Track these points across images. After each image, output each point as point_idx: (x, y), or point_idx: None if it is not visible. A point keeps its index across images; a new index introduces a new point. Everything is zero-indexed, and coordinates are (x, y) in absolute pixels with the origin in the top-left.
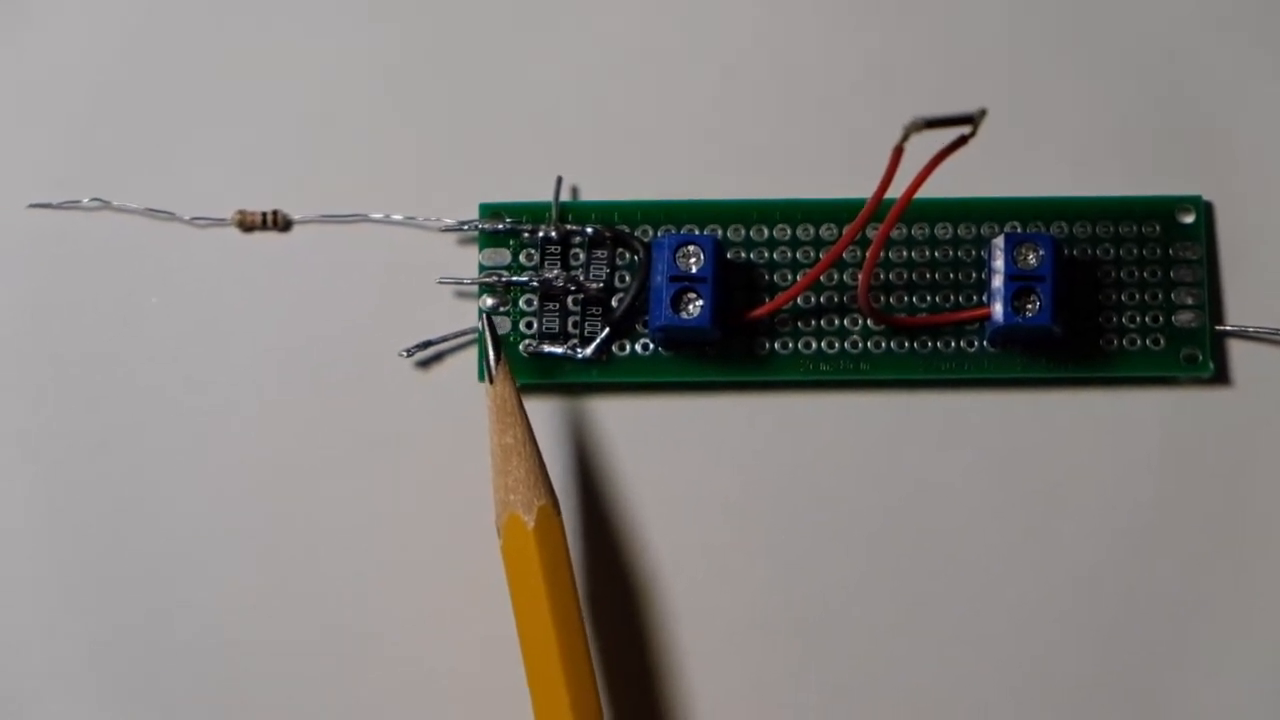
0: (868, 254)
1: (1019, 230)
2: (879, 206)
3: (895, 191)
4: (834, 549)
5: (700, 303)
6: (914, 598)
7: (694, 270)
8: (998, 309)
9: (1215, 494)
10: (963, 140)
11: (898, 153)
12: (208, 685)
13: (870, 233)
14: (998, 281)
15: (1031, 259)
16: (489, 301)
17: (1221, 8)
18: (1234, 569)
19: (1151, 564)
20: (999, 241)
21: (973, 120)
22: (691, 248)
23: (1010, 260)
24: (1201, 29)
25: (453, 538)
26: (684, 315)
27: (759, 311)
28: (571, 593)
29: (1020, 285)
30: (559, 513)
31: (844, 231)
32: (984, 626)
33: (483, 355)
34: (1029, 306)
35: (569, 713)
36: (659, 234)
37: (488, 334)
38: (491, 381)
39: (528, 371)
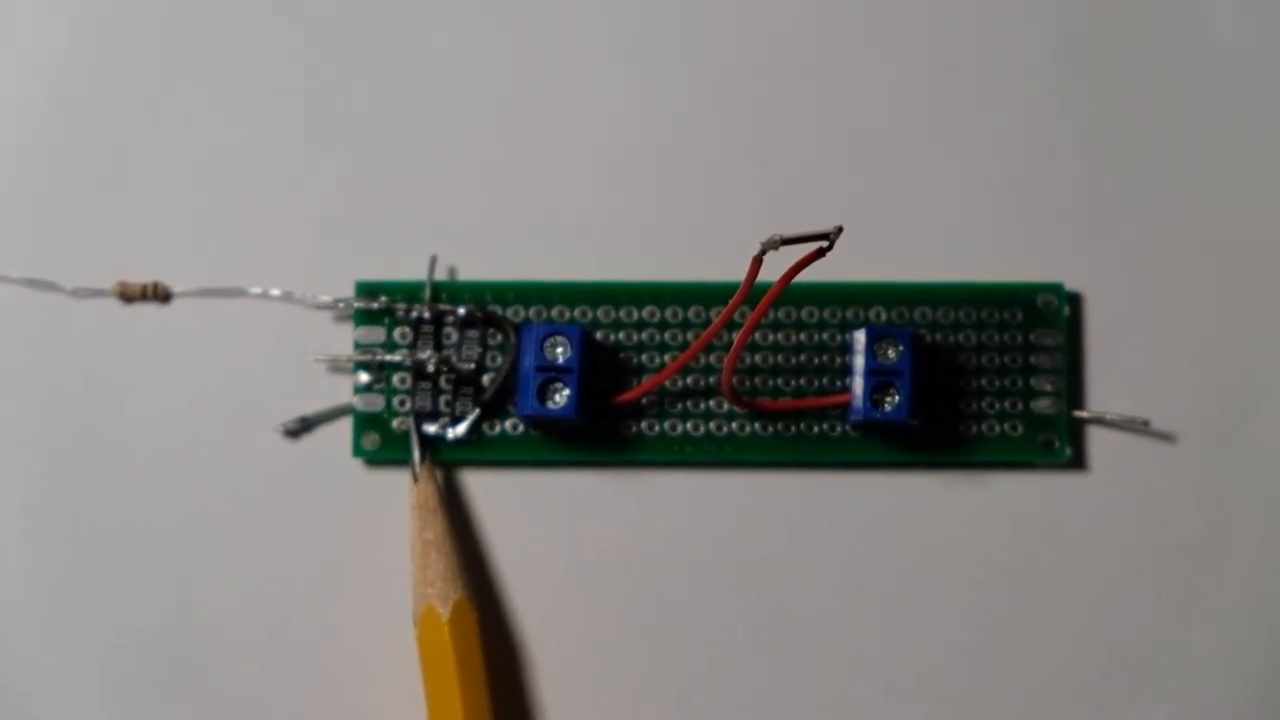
0: (729, 354)
1: (883, 316)
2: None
3: (763, 276)
4: (697, 626)
5: (566, 392)
6: (774, 676)
7: (560, 360)
8: (857, 401)
9: (1070, 577)
10: (820, 252)
11: (755, 264)
12: None
13: (738, 316)
14: (858, 375)
15: (891, 353)
16: (363, 378)
17: (1088, 97)
18: (1090, 651)
19: (1008, 646)
20: (859, 335)
21: (829, 237)
22: (559, 337)
23: (870, 354)
24: (1068, 115)
25: (324, 610)
26: (550, 405)
27: (625, 397)
28: (484, 684)
29: (879, 380)
30: (474, 607)
31: (712, 316)
32: (841, 707)
33: (409, 455)
34: (888, 400)
35: None
36: (531, 313)
37: (414, 436)
38: (416, 480)
39: (401, 448)
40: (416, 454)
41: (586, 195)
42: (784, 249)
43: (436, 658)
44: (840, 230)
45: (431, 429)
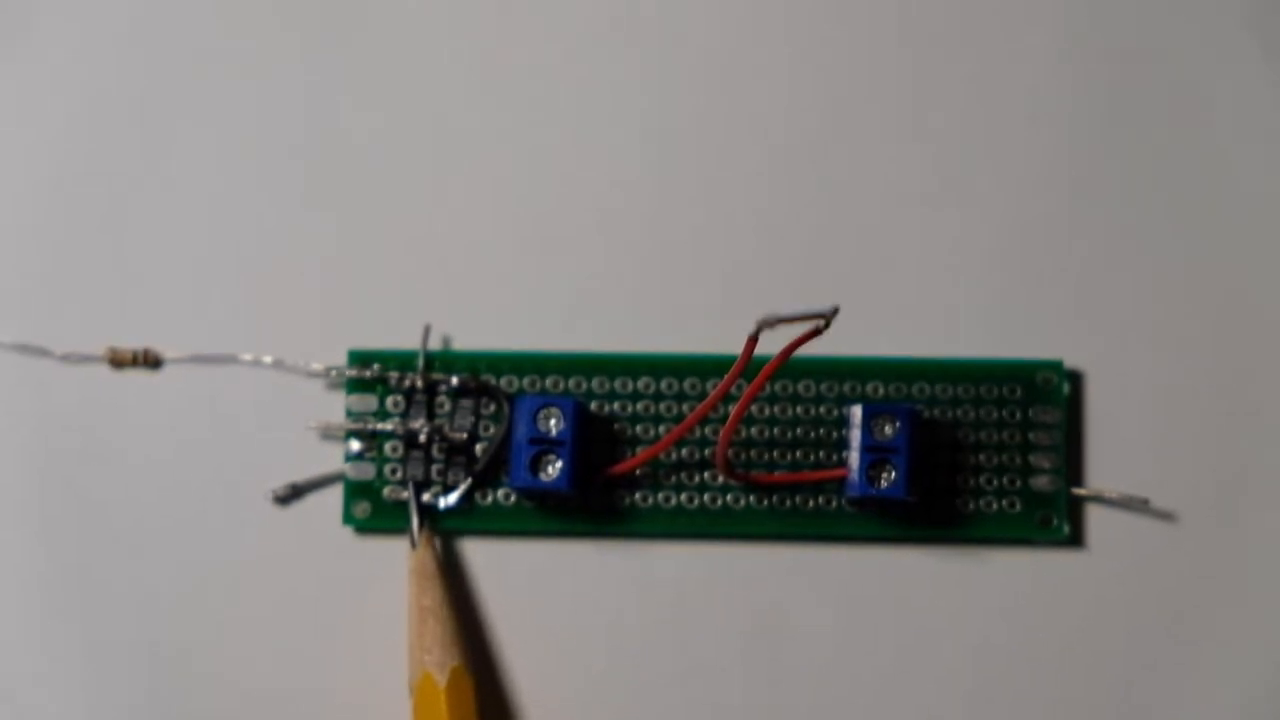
0: (725, 426)
1: (880, 390)
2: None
3: (760, 350)
4: (692, 698)
5: (559, 464)
6: None
7: (553, 432)
8: (854, 478)
9: (1068, 657)
10: (816, 332)
11: (751, 343)
12: None
13: (733, 390)
14: (854, 451)
15: (888, 430)
16: (355, 446)
17: (1091, 174)
18: None
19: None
20: (856, 411)
21: (825, 317)
22: (553, 409)
23: (867, 431)
24: (1072, 192)
25: (316, 680)
26: (543, 477)
27: (619, 468)
28: None
29: (876, 457)
30: (471, 674)
31: (708, 389)
32: None
33: (408, 522)
34: (884, 477)
35: None
36: (525, 383)
37: (413, 503)
38: (414, 546)
39: (393, 517)
40: (415, 520)
41: (582, 265)
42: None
43: None
44: (836, 311)
45: (424, 498)
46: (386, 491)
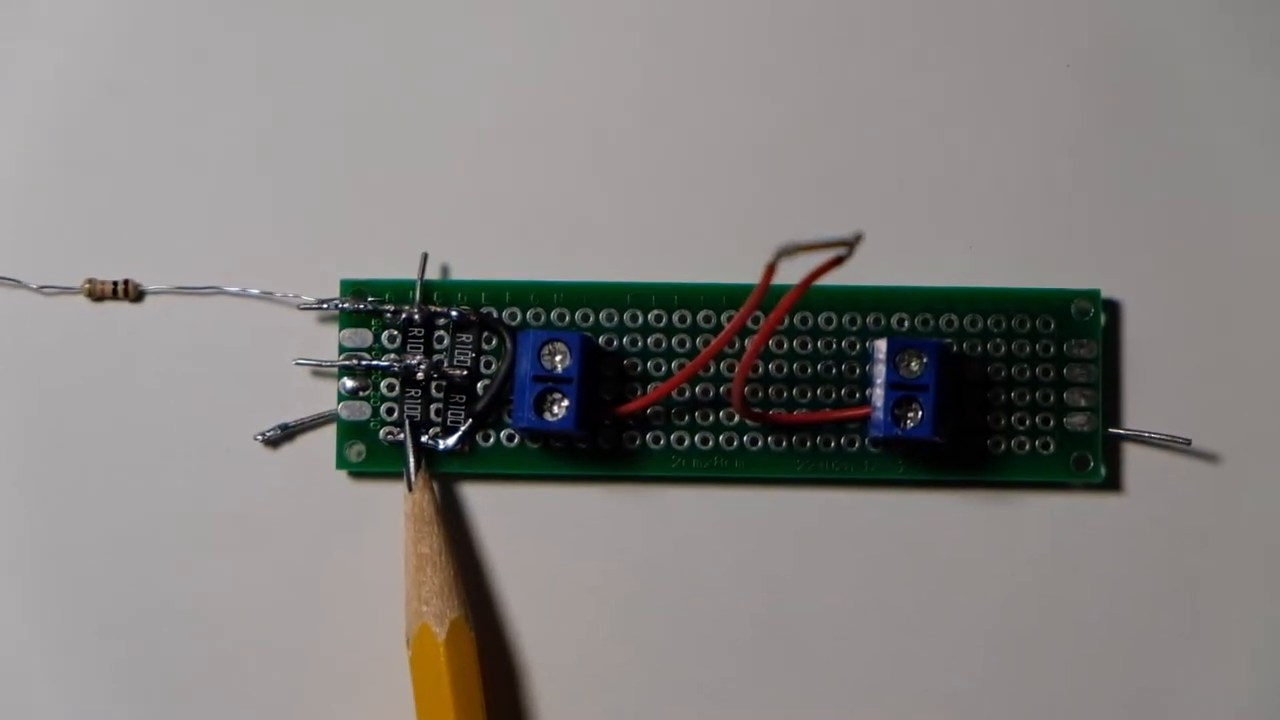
0: (741, 361)
1: (906, 323)
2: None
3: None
4: (703, 648)
5: (565, 403)
6: (782, 702)
7: (559, 369)
8: (878, 417)
9: (1102, 604)
10: (839, 260)
11: (769, 272)
12: None
13: (750, 323)
14: (878, 389)
15: (915, 366)
16: (349, 384)
17: (1127, 100)
18: (1121, 680)
19: (1035, 675)
20: (881, 346)
21: (848, 244)
22: (558, 344)
23: (892, 367)
24: (1109, 122)
25: (307, 630)
26: (548, 417)
27: (629, 407)
28: (479, 708)
29: (901, 394)
30: (471, 626)
31: (723, 321)
32: None
33: (404, 464)
34: (910, 416)
35: None
36: (528, 316)
37: (409, 443)
38: (411, 490)
39: (388, 460)
40: (411, 462)
41: (589, 190)
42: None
43: (431, 680)
44: (860, 238)
45: (421, 439)
46: (382, 432)
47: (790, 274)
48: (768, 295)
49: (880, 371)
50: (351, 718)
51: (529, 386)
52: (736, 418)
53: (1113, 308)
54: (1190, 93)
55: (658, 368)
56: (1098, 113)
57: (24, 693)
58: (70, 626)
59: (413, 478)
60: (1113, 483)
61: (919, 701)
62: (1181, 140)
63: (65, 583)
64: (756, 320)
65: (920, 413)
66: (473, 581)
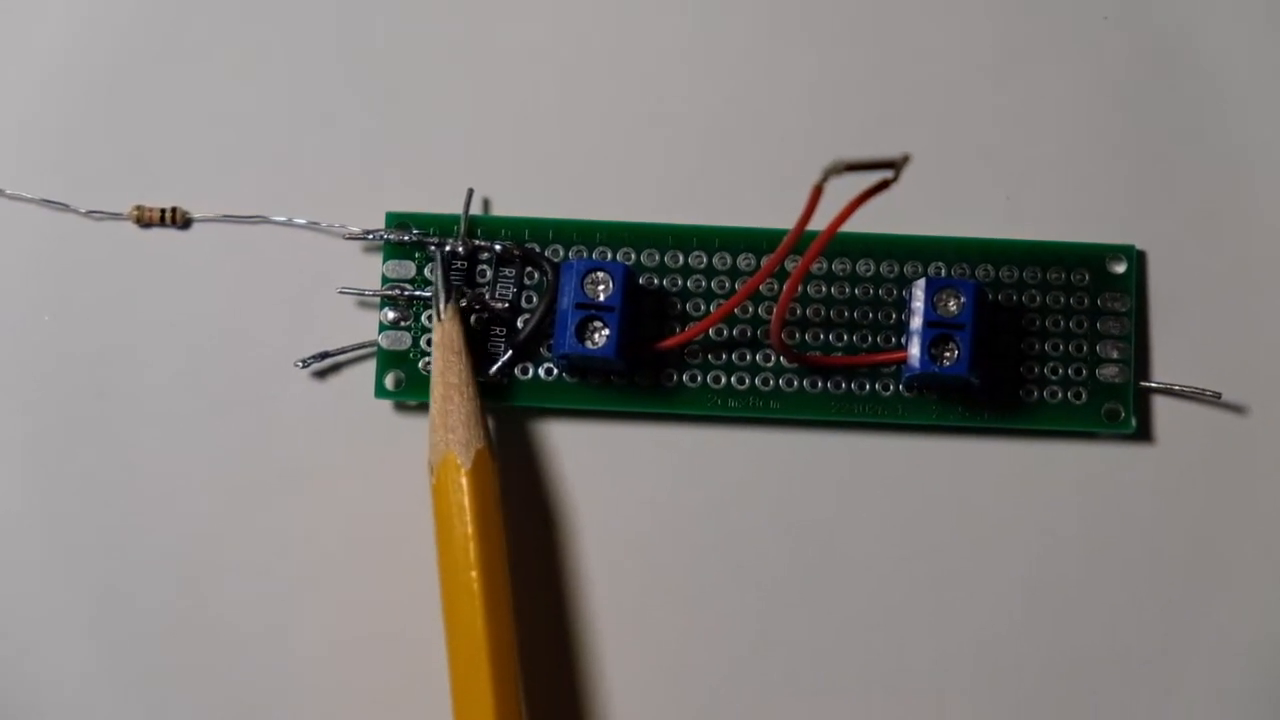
0: (782, 293)
1: (943, 272)
2: (798, 242)
3: (817, 225)
4: (735, 589)
5: (606, 332)
6: (816, 645)
7: (602, 298)
8: (914, 355)
9: (1132, 554)
10: (885, 184)
11: (816, 192)
12: None
13: (789, 265)
14: (916, 326)
15: (952, 305)
16: (390, 315)
17: (1163, 57)
18: (1150, 631)
19: (1064, 623)
20: (919, 284)
21: (895, 165)
22: (601, 274)
23: (930, 305)
24: (1145, 77)
25: (343, 551)
26: (589, 344)
27: (668, 343)
28: (500, 540)
29: (939, 332)
30: (495, 458)
31: (762, 264)
32: (888, 675)
33: (434, 294)
34: (947, 355)
35: (486, 655)
36: (570, 255)
37: (440, 273)
38: (440, 319)
39: (426, 390)
40: (443, 291)
41: (634, 132)
42: (844, 189)
43: (453, 510)
44: (908, 159)
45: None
46: (422, 364)
47: (831, 211)
48: (805, 237)
49: (919, 308)
50: (384, 645)
51: (572, 313)
52: (773, 359)
53: (1145, 261)
54: (1225, 49)
55: (696, 308)
56: (1134, 69)
57: (64, 583)
58: (111, 541)
59: (443, 308)
60: (1144, 434)
61: (949, 641)
62: (1215, 96)
63: (103, 500)
64: (796, 262)
65: (957, 351)
66: (508, 515)
